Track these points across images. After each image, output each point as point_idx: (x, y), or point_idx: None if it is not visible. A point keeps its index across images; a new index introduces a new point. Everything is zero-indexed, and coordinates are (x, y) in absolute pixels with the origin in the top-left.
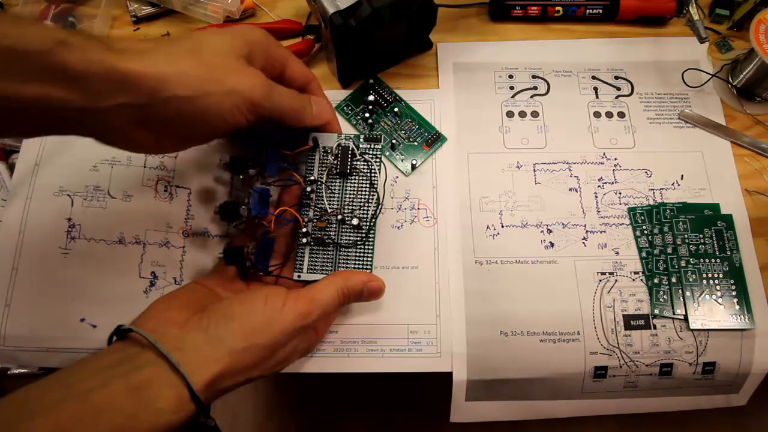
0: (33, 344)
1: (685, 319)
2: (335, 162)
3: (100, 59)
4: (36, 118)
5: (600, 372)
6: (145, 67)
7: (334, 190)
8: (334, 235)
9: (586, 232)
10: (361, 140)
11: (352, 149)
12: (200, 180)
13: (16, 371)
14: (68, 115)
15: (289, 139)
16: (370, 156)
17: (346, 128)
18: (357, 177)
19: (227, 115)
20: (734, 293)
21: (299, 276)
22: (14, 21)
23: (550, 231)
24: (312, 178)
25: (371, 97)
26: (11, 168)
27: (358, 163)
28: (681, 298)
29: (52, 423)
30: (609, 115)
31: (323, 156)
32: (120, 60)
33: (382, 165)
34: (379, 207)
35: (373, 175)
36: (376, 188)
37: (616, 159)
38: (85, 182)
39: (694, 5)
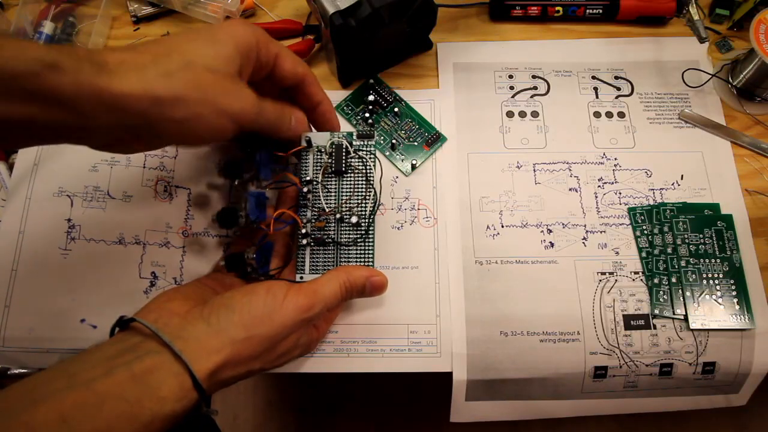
0: (33, 345)
1: (685, 319)
2: (330, 161)
3: (92, 82)
4: (23, 134)
5: (600, 372)
6: (140, 88)
7: (331, 189)
8: (334, 234)
9: (586, 232)
10: (355, 137)
11: (346, 146)
12: (200, 181)
13: (16, 371)
14: (58, 132)
15: (282, 140)
16: (365, 152)
17: (346, 128)
18: (353, 174)
19: (215, 131)
20: (734, 293)
21: (301, 277)
22: (1, 41)
23: (550, 231)
24: (308, 178)
25: (371, 97)
26: (11, 168)
27: (353, 160)
28: (681, 298)
29: (55, 411)
30: (609, 115)
31: (317, 155)
32: (112, 81)
33: (377, 160)
34: (377, 203)
35: (368, 171)
36: (372, 184)
37: (616, 159)
38: (85, 182)
39: (694, 5)
